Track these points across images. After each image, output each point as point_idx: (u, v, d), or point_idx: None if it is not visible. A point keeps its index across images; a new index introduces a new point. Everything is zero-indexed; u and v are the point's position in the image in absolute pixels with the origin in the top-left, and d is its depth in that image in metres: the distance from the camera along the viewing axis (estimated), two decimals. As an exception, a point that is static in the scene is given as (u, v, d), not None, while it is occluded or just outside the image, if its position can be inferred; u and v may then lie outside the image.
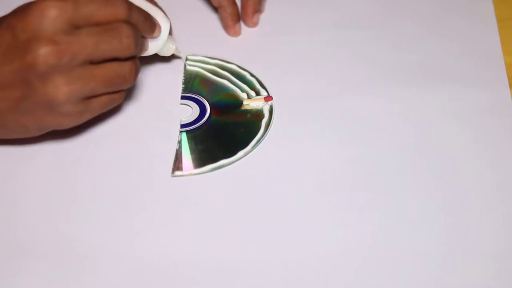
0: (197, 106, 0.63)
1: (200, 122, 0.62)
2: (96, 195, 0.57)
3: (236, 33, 0.68)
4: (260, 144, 0.60)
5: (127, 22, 0.55)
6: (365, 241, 0.55)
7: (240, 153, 0.60)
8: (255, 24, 0.69)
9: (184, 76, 0.65)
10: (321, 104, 0.63)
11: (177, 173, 0.59)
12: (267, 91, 0.64)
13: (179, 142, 0.61)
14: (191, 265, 0.54)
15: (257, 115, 0.62)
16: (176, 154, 0.60)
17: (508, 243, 0.55)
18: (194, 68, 0.66)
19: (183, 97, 0.64)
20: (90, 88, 0.54)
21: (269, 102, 0.63)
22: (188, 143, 0.60)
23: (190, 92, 0.64)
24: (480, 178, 0.58)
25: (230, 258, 0.54)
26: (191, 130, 0.61)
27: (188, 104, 0.63)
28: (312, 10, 0.71)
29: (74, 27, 0.52)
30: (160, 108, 0.63)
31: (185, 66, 0.66)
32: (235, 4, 0.68)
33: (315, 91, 0.64)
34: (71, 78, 0.53)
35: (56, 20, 0.52)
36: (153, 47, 0.60)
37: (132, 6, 0.55)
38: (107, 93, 0.56)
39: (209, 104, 0.63)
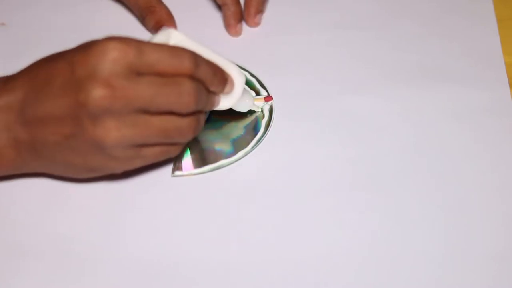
0: (197, 106, 0.63)
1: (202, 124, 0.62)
2: (96, 195, 0.57)
3: (237, 33, 0.68)
4: (260, 144, 0.61)
5: (192, 77, 0.52)
6: (365, 241, 0.55)
7: (240, 153, 0.60)
8: (257, 24, 0.69)
9: (184, 76, 0.65)
10: (321, 104, 0.63)
11: (177, 173, 0.59)
12: (267, 91, 0.64)
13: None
14: (190, 265, 0.54)
15: (257, 115, 0.62)
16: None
17: (508, 243, 0.55)
18: (194, 68, 0.66)
19: (183, 97, 0.64)
20: (142, 137, 0.51)
21: (269, 102, 0.63)
22: (188, 143, 0.60)
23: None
24: (480, 178, 0.58)
25: (230, 258, 0.54)
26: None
27: (188, 104, 0.63)
28: (312, 10, 0.71)
29: (135, 73, 0.50)
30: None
31: (185, 66, 0.66)
32: (239, 3, 0.68)
33: (315, 91, 0.64)
34: (123, 123, 0.50)
35: (116, 62, 0.49)
36: (226, 102, 0.57)
37: (199, 61, 0.53)
38: (163, 144, 0.53)
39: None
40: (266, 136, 0.61)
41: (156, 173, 0.59)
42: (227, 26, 0.68)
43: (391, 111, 0.63)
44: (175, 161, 0.59)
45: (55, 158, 0.53)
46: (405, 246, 0.55)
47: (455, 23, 0.70)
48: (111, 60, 0.49)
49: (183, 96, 0.51)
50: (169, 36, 0.55)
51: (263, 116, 0.62)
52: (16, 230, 0.55)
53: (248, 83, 0.65)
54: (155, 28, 0.67)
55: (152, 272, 0.53)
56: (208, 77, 0.54)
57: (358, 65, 0.66)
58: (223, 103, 0.57)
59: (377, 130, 0.62)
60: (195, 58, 0.52)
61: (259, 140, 0.61)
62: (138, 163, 0.54)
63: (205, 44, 0.68)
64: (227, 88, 0.56)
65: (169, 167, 0.59)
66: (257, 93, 0.64)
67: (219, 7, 0.69)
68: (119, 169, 0.54)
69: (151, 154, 0.53)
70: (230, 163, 0.59)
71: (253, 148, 0.60)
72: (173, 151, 0.55)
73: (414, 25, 0.70)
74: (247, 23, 0.69)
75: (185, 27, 0.68)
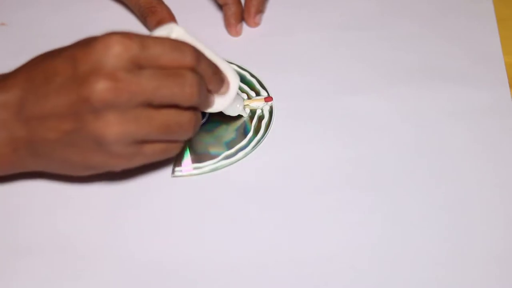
0: (197, 106, 0.63)
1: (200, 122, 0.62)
2: (96, 195, 0.57)
3: (238, 33, 0.68)
4: (260, 145, 0.61)
5: (194, 71, 0.52)
6: (365, 241, 0.55)
7: (240, 154, 0.60)
8: (257, 25, 0.69)
9: (184, 76, 0.65)
10: (321, 104, 0.63)
11: (177, 173, 0.59)
12: (267, 91, 0.64)
13: (179, 142, 0.61)
14: (190, 265, 0.54)
15: (257, 115, 0.62)
16: (176, 154, 0.60)
17: (509, 243, 0.55)
18: (194, 68, 0.66)
19: (183, 97, 0.64)
20: (144, 132, 0.51)
21: (269, 103, 0.63)
22: (188, 143, 0.60)
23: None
24: (480, 178, 0.58)
25: (230, 258, 0.54)
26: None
27: (188, 104, 0.63)
28: (312, 10, 0.71)
29: (137, 67, 0.50)
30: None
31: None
32: (240, 3, 0.68)
33: (315, 91, 0.64)
34: (125, 118, 0.50)
35: (120, 56, 0.49)
36: (219, 104, 0.57)
37: (201, 57, 0.53)
38: (163, 141, 0.53)
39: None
40: (266, 137, 0.61)
41: (156, 173, 0.59)
42: (228, 26, 0.68)
43: (391, 111, 0.63)
44: (175, 161, 0.59)
45: (53, 155, 0.53)
46: (405, 246, 0.55)
47: (455, 23, 0.70)
48: (114, 54, 0.49)
49: (186, 87, 0.51)
50: (171, 31, 0.54)
51: (263, 117, 0.62)
52: (16, 229, 0.55)
53: (248, 83, 0.65)
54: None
55: (152, 272, 0.53)
56: (207, 74, 0.54)
57: (358, 65, 0.66)
58: (217, 105, 0.57)
59: (377, 130, 0.62)
60: (197, 53, 0.52)
61: (259, 141, 0.61)
62: (138, 161, 0.53)
63: (205, 44, 0.68)
64: (223, 89, 0.56)
65: (169, 167, 0.59)
66: (257, 93, 0.64)
67: (220, 7, 0.69)
68: (118, 167, 0.53)
69: (152, 151, 0.53)
70: (230, 164, 0.59)
71: (253, 148, 0.60)
72: (174, 149, 0.54)
73: (414, 25, 0.70)
74: (247, 23, 0.69)
75: (186, 27, 0.68)
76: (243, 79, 0.65)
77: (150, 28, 0.68)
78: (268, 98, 0.63)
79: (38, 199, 0.57)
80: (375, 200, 0.57)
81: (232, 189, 0.58)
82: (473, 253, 0.54)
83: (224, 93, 0.57)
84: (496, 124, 0.62)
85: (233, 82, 0.57)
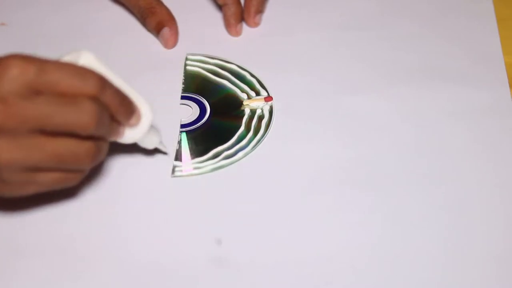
0: (197, 106, 0.63)
1: (200, 122, 0.62)
2: (95, 195, 0.57)
3: (238, 33, 0.68)
4: (260, 145, 0.61)
5: (96, 99, 0.49)
6: (365, 241, 0.55)
7: (240, 154, 0.60)
8: (256, 25, 0.69)
9: (184, 76, 0.65)
10: (321, 104, 0.63)
11: (177, 173, 0.59)
12: (267, 91, 0.64)
13: (179, 142, 0.61)
14: (190, 265, 0.54)
15: (257, 115, 0.62)
16: (176, 154, 0.60)
17: (509, 243, 0.55)
18: (194, 68, 0.66)
19: (183, 97, 0.64)
20: (35, 160, 0.49)
21: (269, 102, 0.63)
22: (188, 143, 0.60)
23: (190, 92, 0.64)
24: (480, 178, 0.58)
25: (230, 258, 0.54)
26: (191, 130, 0.61)
27: (188, 104, 0.63)
28: (312, 10, 0.71)
29: (34, 92, 0.48)
30: (160, 108, 0.63)
31: (185, 66, 0.66)
32: (239, 3, 0.68)
33: (315, 91, 0.64)
34: (15, 144, 0.48)
35: (15, 80, 0.47)
36: (129, 136, 0.54)
37: (106, 85, 0.50)
38: (60, 170, 0.50)
39: (209, 104, 0.63)
40: (266, 137, 0.61)
41: (156, 173, 0.59)
42: (228, 26, 0.68)
43: (391, 111, 0.63)
44: (175, 161, 0.59)
45: None
46: (405, 245, 0.55)
47: (455, 23, 0.70)
48: (10, 78, 0.47)
49: (82, 115, 0.49)
50: (79, 57, 0.52)
51: (263, 116, 0.62)
52: (16, 230, 0.55)
53: (248, 83, 0.65)
54: (156, 29, 0.67)
55: (152, 272, 0.53)
56: (113, 103, 0.51)
57: (358, 65, 0.66)
58: (127, 136, 0.54)
59: (377, 130, 0.62)
60: (102, 81, 0.50)
61: (259, 141, 0.61)
62: (31, 190, 0.51)
63: (205, 44, 0.68)
64: (132, 120, 0.53)
65: (169, 167, 0.59)
66: (257, 93, 0.64)
67: (220, 7, 0.69)
68: (9, 194, 0.51)
69: (46, 180, 0.50)
70: (230, 163, 0.59)
71: (253, 148, 0.60)
72: (71, 180, 0.52)
73: (414, 25, 0.70)
74: (247, 23, 0.69)
75: (185, 26, 0.68)
76: (243, 79, 0.65)
77: (149, 28, 0.68)
78: (268, 98, 0.63)
79: (38, 199, 0.57)
80: (375, 200, 0.57)
81: (232, 189, 0.58)
82: (473, 253, 0.54)
83: (134, 125, 0.54)
84: (496, 124, 0.62)
85: (147, 114, 0.54)
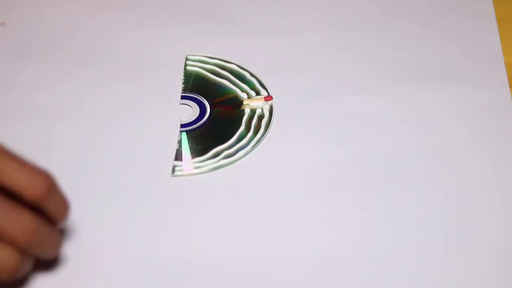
0: (197, 106, 0.63)
1: (200, 122, 0.62)
2: (95, 195, 0.57)
3: None
4: (260, 144, 0.61)
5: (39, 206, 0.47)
6: (365, 241, 0.55)
7: (240, 153, 0.60)
8: None
9: (184, 76, 0.65)
10: (321, 104, 0.63)
11: (177, 173, 0.59)
12: (267, 91, 0.64)
13: (179, 142, 0.61)
14: (190, 265, 0.54)
15: (257, 115, 0.62)
16: (176, 154, 0.60)
17: (509, 243, 0.55)
18: (194, 68, 0.66)
19: (183, 97, 0.64)
20: None
21: (269, 102, 0.63)
22: (188, 143, 0.60)
23: (190, 92, 0.64)
24: (480, 178, 0.58)
25: (230, 258, 0.54)
26: (191, 130, 0.61)
27: (188, 104, 0.63)
28: (312, 10, 0.71)
29: None
30: (160, 108, 0.63)
31: (185, 65, 0.66)
32: None
33: (315, 91, 0.64)
34: None
35: None
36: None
37: (53, 188, 0.48)
38: None
39: (209, 104, 0.63)
40: (266, 136, 0.61)
41: (156, 173, 0.58)
42: None
43: (391, 111, 0.63)
44: (175, 161, 0.59)
45: None
46: (404, 245, 0.55)
47: (455, 23, 0.70)
48: None
49: (17, 227, 0.46)
50: None
51: (263, 116, 0.62)
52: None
53: (248, 83, 0.65)
54: None
55: (152, 272, 0.53)
56: (60, 210, 0.48)
57: (358, 65, 0.66)
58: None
59: (377, 130, 0.62)
60: (50, 182, 0.47)
61: (259, 140, 0.61)
62: None
63: (205, 43, 0.68)
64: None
65: (169, 167, 0.59)
66: (257, 93, 0.64)
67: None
68: None
69: None
70: (230, 163, 0.59)
71: (253, 148, 0.60)
72: None
73: (414, 25, 0.70)
74: None
75: (185, 26, 0.68)
76: (243, 79, 0.65)
77: None
78: (268, 98, 0.63)
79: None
80: (375, 200, 0.57)
81: (232, 188, 0.58)
82: (473, 253, 0.54)
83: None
84: (496, 124, 0.62)
85: None
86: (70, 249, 0.54)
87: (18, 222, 0.46)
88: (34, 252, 0.48)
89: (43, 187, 0.47)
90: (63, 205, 0.49)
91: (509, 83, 0.65)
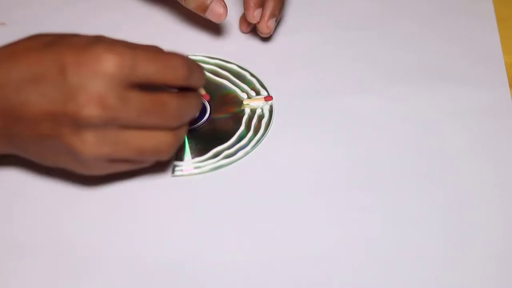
0: (197, 106, 0.63)
1: (200, 122, 0.62)
2: (95, 195, 0.57)
3: (254, 18, 0.65)
4: (260, 144, 0.61)
5: (184, 85, 0.53)
6: (365, 241, 0.55)
7: (240, 153, 0.60)
8: (269, 29, 0.65)
9: (184, 76, 0.65)
10: (321, 104, 0.63)
11: (177, 173, 0.59)
12: (267, 91, 0.64)
13: (179, 142, 0.61)
14: (191, 265, 0.54)
15: (257, 115, 0.62)
16: (176, 154, 0.60)
17: (509, 243, 0.55)
18: (194, 68, 0.66)
19: (183, 97, 0.64)
20: (119, 154, 0.51)
21: (269, 102, 0.63)
22: (188, 143, 0.60)
23: (190, 92, 0.64)
24: (480, 178, 0.59)
25: (230, 258, 0.54)
26: (191, 129, 0.61)
27: (188, 104, 0.63)
28: (312, 10, 0.71)
29: (127, 87, 0.50)
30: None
31: (185, 66, 0.66)
32: None
33: (315, 91, 0.64)
34: (102, 139, 0.50)
35: (111, 78, 0.49)
36: None
37: (192, 66, 0.53)
38: (140, 161, 0.54)
39: (209, 104, 0.63)
40: (266, 136, 0.61)
41: (156, 173, 0.58)
42: (246, 9, 0.65)
43: (391, 111, 0.63)
44: (175, 161, 0.59)
45: (27, 148, 0.53)
46: (404, 245, 0.55)
47: (455, 23, 0.70)
48: (107, 75, 0.49)
49: (168, 118, 0.52)
50: None
51: (263, 116, 0.62)
52: (16, 230, 0.55)
53: (248, 83, 0.65)
54: (201, 8, 0.64)
55: (152, 272, 0.53)
56: (199, 82, 0.54)
57: (358, 65, 0.66)
58: None
59: (377, 130, 0.62)
60: (189, 69, 0.52)
61: (259, 140, 0.61)
62: (108, 171, 0.54)
63: (205, 43, 0.68)
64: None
65: (169, 167, 0.59)
66: (257, 93, 0.64)
67: None
68: (88, 174, 0.54)
69: (124, 167, 0.54)
70: (230, 163, 0.59)
71: (253, 148, 0.60)
72: (146, 164, 0.55)
73: (414, 25, 0.70)
74: (259, 27, 0.66)
75: (185, 26, 0.68)
76: (243, 79, 0.65)
77: (194, 7, 0.65)
78: (268, 98, 0.63)
79: (39, 199, 0.57)
80: (375, 200, 0.57)
81: (232, 188, 0.58)
82: (473, 253, 0.54)
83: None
84: (496, 124, 0.62)
85: None
86: (70, 249, 0.54)
87: (169, 112, 0.52)
88: (185, 122, 0.54)
89: (184, 72, 0.52)
90: (201, 74, 0.54)
91: (509, 83, 0.65)
